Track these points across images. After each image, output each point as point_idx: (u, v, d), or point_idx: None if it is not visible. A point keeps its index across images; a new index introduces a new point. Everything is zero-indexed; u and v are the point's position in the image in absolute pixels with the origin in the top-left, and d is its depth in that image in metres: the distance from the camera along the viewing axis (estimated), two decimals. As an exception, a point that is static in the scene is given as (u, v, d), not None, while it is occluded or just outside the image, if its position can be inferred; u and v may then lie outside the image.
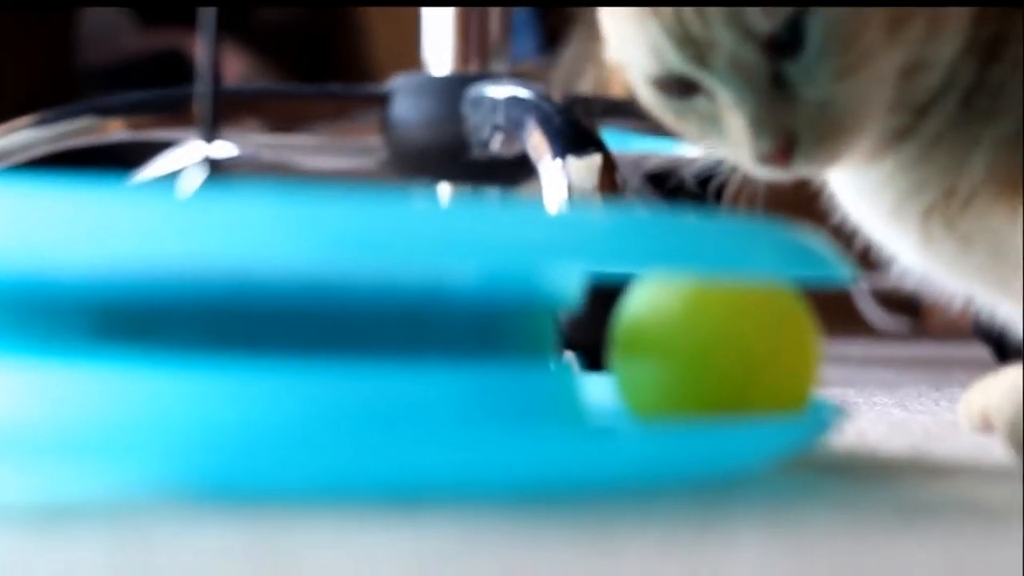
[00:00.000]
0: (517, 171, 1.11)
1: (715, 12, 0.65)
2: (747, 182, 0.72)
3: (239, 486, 0.47)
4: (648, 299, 0.58)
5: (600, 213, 0.52)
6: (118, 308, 0.50)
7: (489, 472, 0.48)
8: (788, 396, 0.57)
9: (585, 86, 2.23)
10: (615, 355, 0.58)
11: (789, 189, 0.74)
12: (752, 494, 0.51)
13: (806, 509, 0.49)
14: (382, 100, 1.19)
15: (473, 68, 1.21)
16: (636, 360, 0.58)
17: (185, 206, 0.47)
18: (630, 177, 1.25)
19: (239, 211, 0.47)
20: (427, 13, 1.23)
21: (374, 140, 1.20)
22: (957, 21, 0.68)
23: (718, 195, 0.76)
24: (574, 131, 1.01)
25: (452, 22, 1.22)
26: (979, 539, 0.44)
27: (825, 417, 0.57)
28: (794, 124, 0.65)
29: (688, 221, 0.53)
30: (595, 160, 0.99)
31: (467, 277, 0.53)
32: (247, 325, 0.51)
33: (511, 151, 1.10)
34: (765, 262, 0.55)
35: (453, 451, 0.48)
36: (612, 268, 0.56)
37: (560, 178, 0.98)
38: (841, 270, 0.58)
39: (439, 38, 1.22)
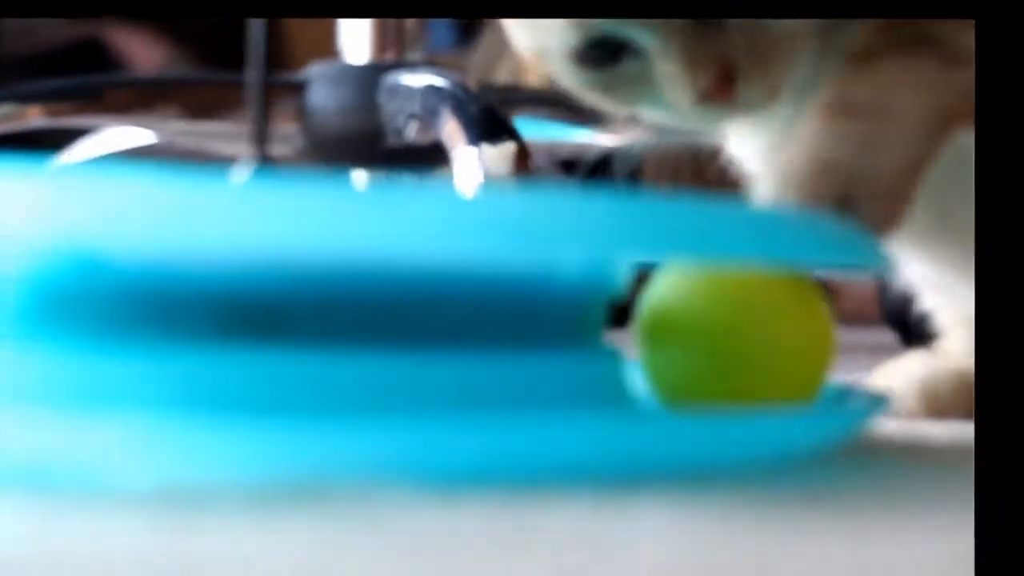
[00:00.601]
0: (432, 158, 1.13)
1: None
2: (667, 162, 0.71)
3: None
4: (674, 285, 0.58)
5: (647, 202, 0.51)
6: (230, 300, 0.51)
7: (541, 456, 0.48)
8: (808, 384, 0.57)
9: (502, 75, 2.24)
10: (642, 341, 0.58)
11: (708, 166, 0.73)
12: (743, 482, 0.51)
13: (705, 499, 0.50)
14: (299, 88, 1.19)
15: (389, 57, 1.22)
16: (663, 347, 0.58)
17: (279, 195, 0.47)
18: (544, 164, 1.27)
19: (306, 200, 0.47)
20: None
21: (291, 128, 1.20)
22: None
23: (633, 178, 0.76)
24: (488, 119, 1.02)
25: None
26: (884, 523, 0.45)
27: (870, 406, 0.58)
28: (729, 51, 0.61)
29: (723, 208, 0.52)
30: (509, 147, 1.00)
31: (519, 264, 0.53)
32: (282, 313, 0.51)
33: (426, 139, 1.11)
34: (807, 250, 0.55)
35: (502, 435, 0.48)
36: (656, 256, 0.55)
37: (474, 165, 0.99)
38: (880, 258, 0.58)
39: (355, 27, 1.23)
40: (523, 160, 0.99)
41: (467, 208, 0.49)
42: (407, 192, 0.48)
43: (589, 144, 1.27)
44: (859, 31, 0.62)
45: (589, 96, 0.66)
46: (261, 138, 1.11)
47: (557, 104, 1.31)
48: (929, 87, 0.61)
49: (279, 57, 2.20)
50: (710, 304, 0.57)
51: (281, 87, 1.21)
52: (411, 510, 0.44)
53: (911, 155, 0.60)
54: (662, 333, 0.57)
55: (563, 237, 0.49)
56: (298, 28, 2.25)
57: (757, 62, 0.61)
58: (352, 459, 0.46)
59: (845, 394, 0.61)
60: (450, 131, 1.03)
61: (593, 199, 0.50)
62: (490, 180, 0.98)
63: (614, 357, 0.57)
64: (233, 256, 0.50)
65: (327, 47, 1.28)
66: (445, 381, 0.51)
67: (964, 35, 0.61)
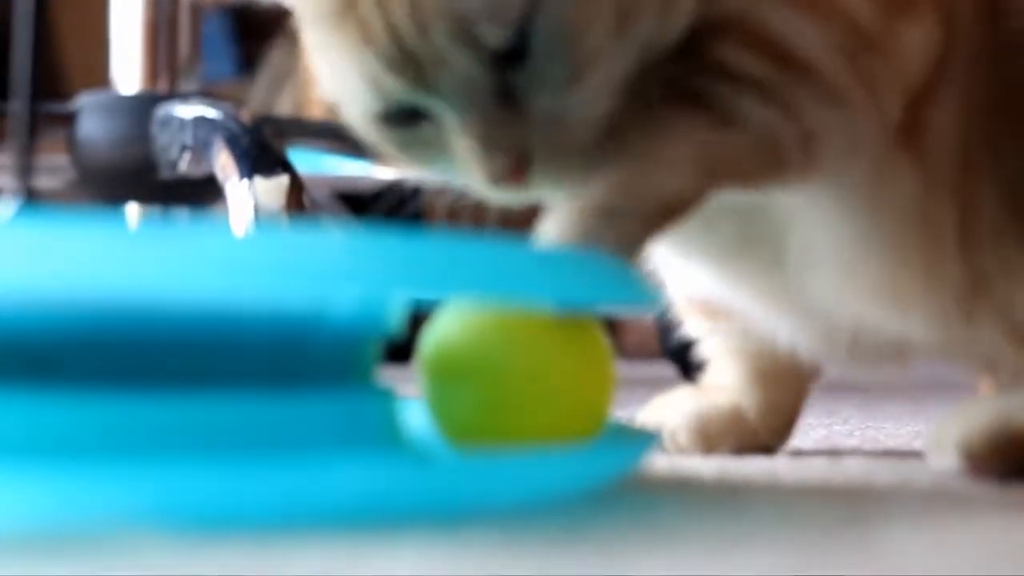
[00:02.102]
0: (206, 191, 1.10)
1: (439, 26, 0.59)
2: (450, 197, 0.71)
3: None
4: (458, 323, 0.57)
5: (424, 240, 0.50)
6: None
7: (308, 499, 0.47)
8: (591, 418, 0.58)
9: (283, 106, 2.22)
10: (426, 379, 0.57)
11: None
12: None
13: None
14: (69, 119, 1.16)
15: (162, 86, 1.19)
16: (447, 385, 0.57)
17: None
18: (322, 197, 1.25)
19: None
20: (116, 30, 1.21)
21: (61, 160, 1.17)
22: (687, 3, 0.62)
23: (416, 215, 0.76)
24: (261, 152, 1.00)
25: (141, 40, 1.20)
26: (649, 558, 0.45)
27: (643, 443, 0.58)
28: (526, 141, 0.60)
29: (505, 248, 0.52)
30: (282, 181, 0.98)
31: (287, 304, 0.52)
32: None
33: (200, 171, 1.08)
34: (581, 289, 0.55)
35: (273, 477, 0.46)
36: (435, 295, 0.54)
37: (247, 198, 0.97)
38: (650, 297, 0.58)
39: (128, 56, 1.20)
40: (297, 194, 0.97)
41: (238, 247, 0.48)
42: (180, 231, 0.47)
43: (369, 178, 1.25)
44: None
45: (386, 152, 0.65)
46: (26, 171, 1.07)
47: (338, 136, 1.30)
48: (699, 143, 0.61)
49: (52, 86, 2.15)
50: (492, 342, 0.57)
51: (50, 118, 1.18)
52: (168, 554, 0.42)
53: (673, 197, 0.61)
54: (446, 371, 0.57)
55: (335, 276, 0.48)
56: (71, 56, 2.20)
57: (551, 151, 0.61)
58: (117, 503, 0.45)
59: (620, 431, 0.61)
60: (223, 164, 1.01)
61: (367, 238, 0.49)
62: (263, 214, 0.96)
63: (386, 395, 0.56)
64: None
65: (100, 76, 1.25)
66: (213, 422, 0.50)
67: (742, 100, 0.61)
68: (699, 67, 0.62)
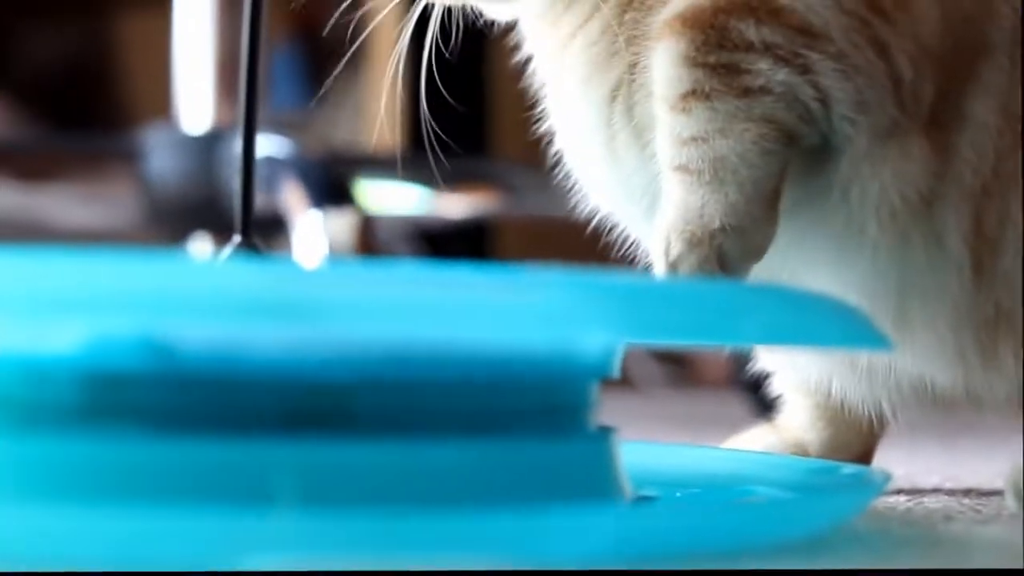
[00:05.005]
0: (276, 227, 1.10)
1: None
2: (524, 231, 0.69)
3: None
4: None
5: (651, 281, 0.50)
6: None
7: (520, 547, 0.46)
8: None
9: (349, 136, 2.22)
10: None
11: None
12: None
13: None
14: (137, 154, 1.16)
15: (230, 116, 1.18)
16: None
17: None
18: (392, 233, 1.24)
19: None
20: (183, 62, 1.20)
21: (127, 195, 1.17)
22: None
23: (481, 250, 0.75)
24: (331, 187, 0.99)
25: (212, 70, 1.19)
26: None
27: (876, 483, 0.58)
28: None
29: (724, 289, 0.51)
30: (352, 216, 0.97)
31: (503, 347, 0.51)
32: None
33: (270, 207, 1.08)
34: (820, 333, 0.54)
35: (474, 525, 0.45)
36: (670, 341, 0.54)
37: (318, 234, 0.97)
38: (880, 338, 0.57)
39: (196, 86, 1.19)
40: (367, 229, 0.96)
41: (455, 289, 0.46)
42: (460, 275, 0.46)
43: (440, 215, 1.24)
44: None
45: None
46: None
47: (407, 167, 1.29)
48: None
49: (120, 118, 2.16)
50: None
51: (117, 153, 1.18)
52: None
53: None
54: None
55: (596, 323, 0.47)
56: (139, 88, 2.21)
57: None
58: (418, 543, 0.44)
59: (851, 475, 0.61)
60: (291, 199, 1.00)
61: (614, 281, 0.48)
62: (333, 250, 0.95)
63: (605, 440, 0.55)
64: (293, 344, 0.47)
65: (162, 105, 1.24)
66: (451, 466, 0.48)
67: (760, 64, 0.62)
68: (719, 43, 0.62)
